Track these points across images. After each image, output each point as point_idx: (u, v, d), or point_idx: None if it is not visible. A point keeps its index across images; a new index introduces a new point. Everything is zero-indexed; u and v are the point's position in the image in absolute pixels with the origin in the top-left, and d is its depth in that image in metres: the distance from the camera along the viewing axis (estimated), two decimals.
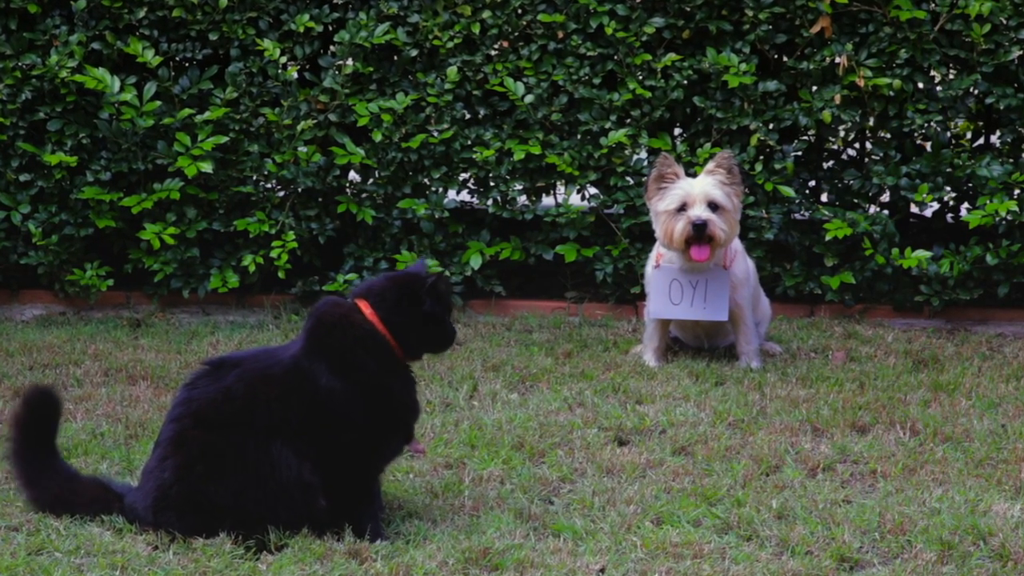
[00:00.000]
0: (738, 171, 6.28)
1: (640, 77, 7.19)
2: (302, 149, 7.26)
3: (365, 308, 4.37)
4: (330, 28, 7.46)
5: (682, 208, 6.20)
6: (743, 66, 7.06)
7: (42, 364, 6.26)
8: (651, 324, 6.48)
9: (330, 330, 4.36)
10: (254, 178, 7.36)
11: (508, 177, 7.30)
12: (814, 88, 7.20)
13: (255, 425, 4.25)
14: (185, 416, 4.29)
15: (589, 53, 7.17)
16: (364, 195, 7.35)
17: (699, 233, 6.18)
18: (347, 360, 4.31)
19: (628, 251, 7.29)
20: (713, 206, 6.20)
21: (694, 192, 6.20)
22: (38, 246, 7.29)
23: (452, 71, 7.18)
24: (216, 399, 4.29)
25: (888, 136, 7.37)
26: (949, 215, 7.62)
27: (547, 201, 7.54)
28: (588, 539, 4.32)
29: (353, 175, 7.49)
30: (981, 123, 7.61)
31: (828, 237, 7.11)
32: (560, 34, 7.20)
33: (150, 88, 7.16)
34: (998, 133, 7.45)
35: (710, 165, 6.29)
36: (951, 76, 7.33)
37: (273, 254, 7.21)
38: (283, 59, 7.23)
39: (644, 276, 6.69)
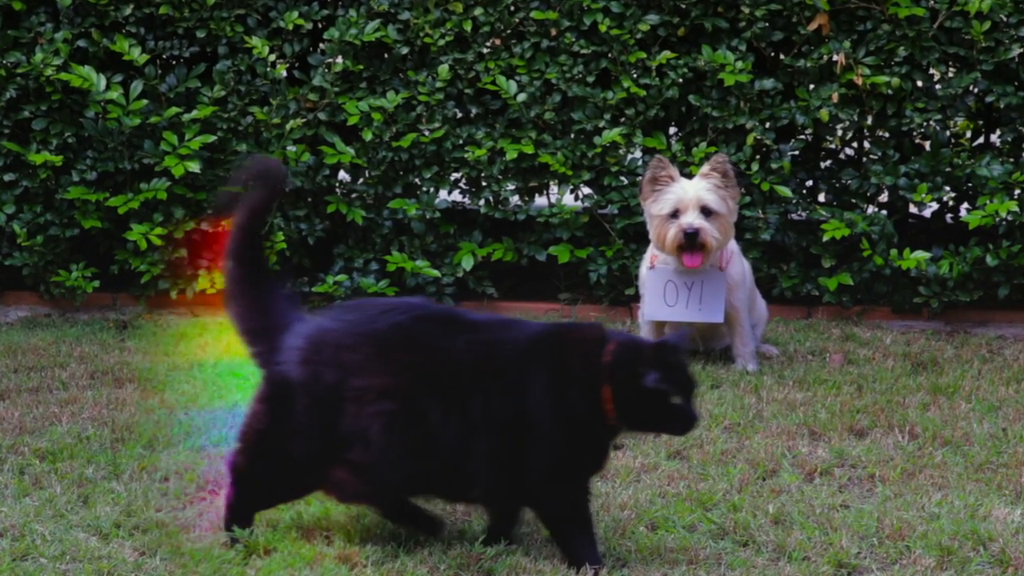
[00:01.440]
0: (734, 174, 6.20)
1: (634, 75, 7.13)
2: (291, 148, 7.21)
3: (611, 347, 3.94)
4: (319, 25, 7.40)
5: (675, 214, 6.13)
6: (739, 64, 7.00)
7: (27, 367, 6.19)
8: (646, 326, 6.41)
9: (565, 349, 3.99)
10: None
11: (500, 177, 7.24)
12: (811, 86, 7.14)
13: (469, 414, 3.93)
14: (418, 366, 3.92)
15: (583, 51, 7.10)
16: (354, 195, 7.29)
17: (691, 241, 6.11)
18: (555, 388, 3.96)
19: (622, 252, 7.23)
20: (707, 211, 6.12)
21: (687, 197, 6.12)
22: (23, 247, 7.21)
23: (443, 69, 7.12)
24: (442, 365, 3.92)
25: (886, 135, 7.32)
26: (948, 215, 7.56)
27: (540, 201, 7.48)
28: None
29: (343, 175, 7.44)
30: (981, 122, 7.55)
31: (825, 238, 7.05)
32: (553, 32, 7.13)
33: (136, 86, 7.10)
34: (998, 132, 7.39)
35: (705, 168, 6.20)
36: (950, 74, 7.28)
37: None
38: (272, 57, 7.18)
39: (638, 277, 6.63)
